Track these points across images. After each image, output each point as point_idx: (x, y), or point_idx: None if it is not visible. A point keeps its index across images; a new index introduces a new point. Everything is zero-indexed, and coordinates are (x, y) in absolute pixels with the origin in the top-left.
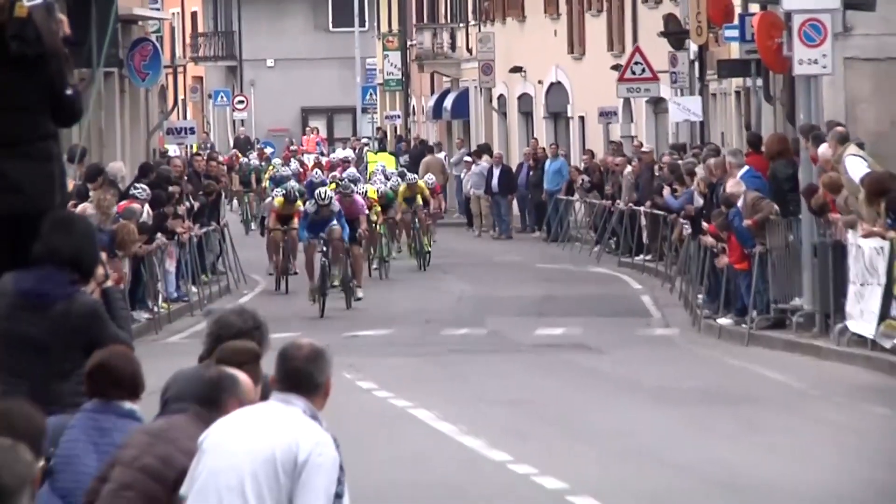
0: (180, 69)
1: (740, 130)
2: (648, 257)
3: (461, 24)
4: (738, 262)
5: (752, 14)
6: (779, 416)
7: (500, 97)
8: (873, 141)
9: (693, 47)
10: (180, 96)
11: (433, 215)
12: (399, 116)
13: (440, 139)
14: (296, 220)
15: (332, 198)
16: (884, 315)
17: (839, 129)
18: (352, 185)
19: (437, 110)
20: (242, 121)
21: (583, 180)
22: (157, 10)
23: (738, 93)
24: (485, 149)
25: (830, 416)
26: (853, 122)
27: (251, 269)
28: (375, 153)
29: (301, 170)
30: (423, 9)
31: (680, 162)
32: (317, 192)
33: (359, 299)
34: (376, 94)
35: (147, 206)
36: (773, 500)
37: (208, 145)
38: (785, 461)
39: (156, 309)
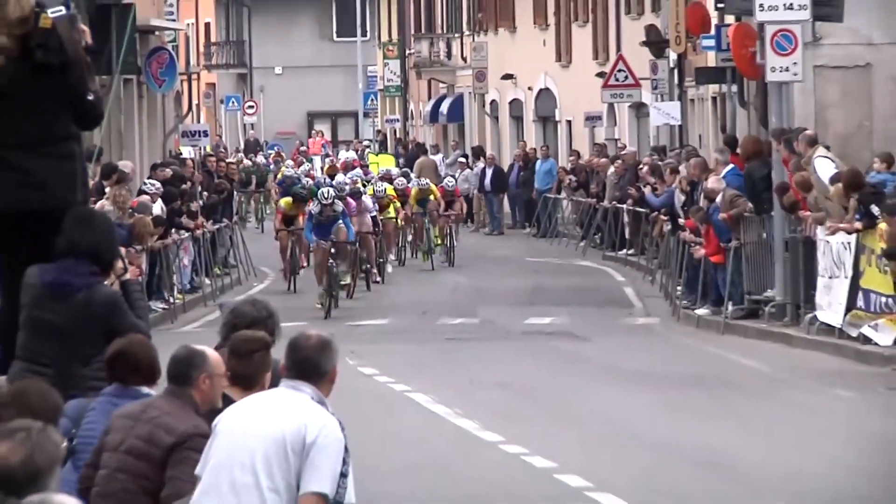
0: (194, 76)
1: (717, 133)
2: (631, 252)
3: (456, 34)
4: (714, 255)
5: (728, 25)
6: (752, 399)
7: (493, 102)
8: (841, 143)
9: (672, 56)
10: (194, 101)
11: (456, 217)
12: (398, 120)
13: (437, 142)
14: (301, 220)
15: (334, 197)
16: (850, 306)
17: (808, 132)
18: (359, 187)
19: (434, 114)
20: (252, 124)
21: (570, 180)
22: (173, 20)
23: (714, 98)
24: (478, 151)
25: (800, 400)
26: (822, 125)
27: (261, 262)
28: (376, 154)
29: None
30: (420, 20)
31: (660, 163)
32: (319, 192)
33: (376, 282)
34: (377, 100)
35: (160, 202)
36: (749, 478)
37: (221, 148)
38: (759, 441)
39: (171, 300)
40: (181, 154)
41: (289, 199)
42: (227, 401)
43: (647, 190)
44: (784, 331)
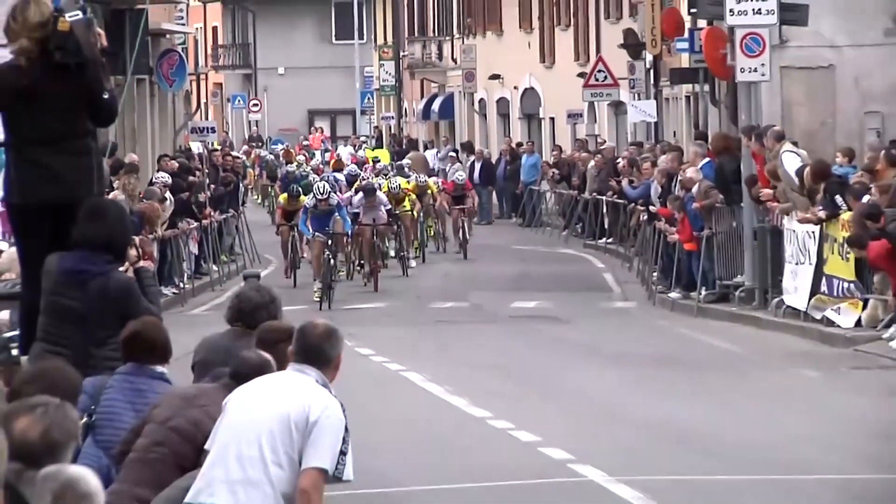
0: (203, 76)
1: (690, 130)
2: (610, 240)
3: (447, 37)
4: (688, 243)
5: (701, 28)
6: (723, 378)
7: (481, 101)
8: (806, 139)
9: (649, 57)
10: (203, 100)
11: (468, 211)
12: (393, 117)
13: (430, 137)
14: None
15: (329, 192)
16: (814, 290)
17: (776, 128)
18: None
19: (426, 112)
20: (257, 121)
21: (553, 173)
22: (183, 24)
23: (688, 97)
24: (468, 146)
25: (768, 378)
26: (788, 123)
27: (265, 250)
28: (372, 149)
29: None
30: (414, 23)
31: (638, 157)
32: (315, 186)
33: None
34: (373, 98)
35: (169, 193)
36: (720, 451)
37: (228, 143)
38: (729, 417)
39: (181, 285)
40: (190, 149)
41: (285, 195)
42: None
43: (624, 182)
44: (753, 314)
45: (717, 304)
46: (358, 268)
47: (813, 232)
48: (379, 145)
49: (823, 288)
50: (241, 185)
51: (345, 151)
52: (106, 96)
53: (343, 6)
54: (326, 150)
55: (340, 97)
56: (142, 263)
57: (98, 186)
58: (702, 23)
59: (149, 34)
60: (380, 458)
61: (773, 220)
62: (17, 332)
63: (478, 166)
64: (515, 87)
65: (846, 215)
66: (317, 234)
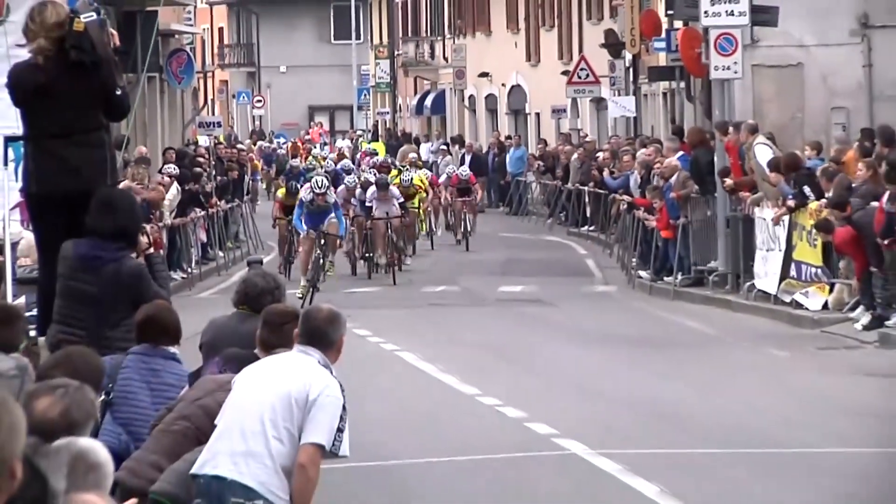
0: (209, 74)
1: (667, 124)
2: (592, 228)
3: (439, 38)
4: (665, 231)
5: (677, 29)
6: (698, 357)
7: (471, 97)
8: (776, 133)
9: (628, 56)
10: (209, 96)
11: (471, 205)
12: (388, 113)
13: (424, 131)
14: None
15: (328, 187)
16: (784, 275)
17: (750, 121)
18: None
19: (419, 108)
20: (260, 116)
21: (538, 165)
22: (191, 25)
23: (665, 94)
24: (458, 139)
25: (740, 358)
26: (760, 117)
27: (267, 238)
28: (369, 142)
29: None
30: (407, 25)
31: (618, 149)
32: (312, 180)
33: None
34: (369, 95)
35: (176, 183)
36: (694, 426)
37: (233, 137)
38: (703, 394)
39: (189, 270)
40: (198, 142)
41: (284, 189)
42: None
43: (605, 173)
44: (726, 297)
45: (693, 288)
46: (363, 260)
47: (783, 220)
48: (375, 139)
49: (792, 273)
50: (245, 176)
51: (343, 145)
52: (118, 92)
53: (341, 8)
54: (325, 144)
55: (339, 94)
56: (152, 250)
57: (111, 177)
58: (678, 24)
59: (159, 34)
60: (375, 433)
61: (745, 210)
62: (34, 313)
63: (468, 158)
64: (503, 85)
65: (814, 205)
66: (309, 231)
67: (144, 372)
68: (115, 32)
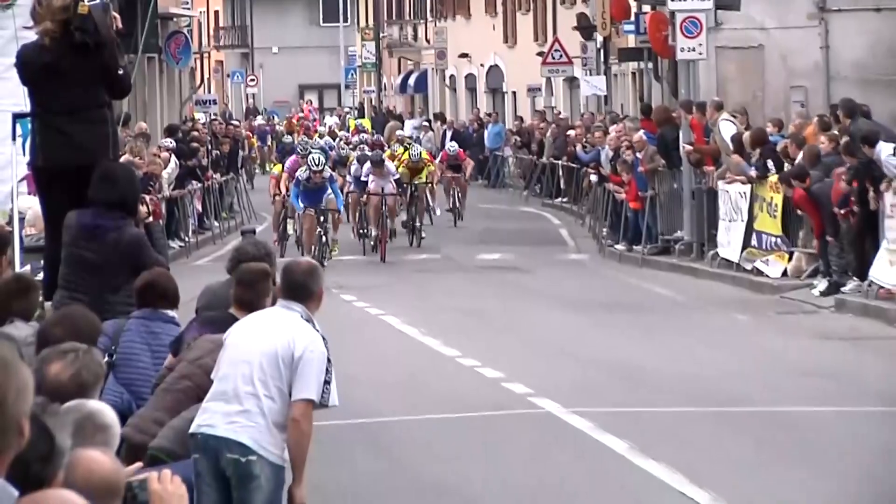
0: (206, 54)
1: (636, 103)
2: (565, 200)
3: (421, 20)
4: (634, 202)
5: (645, 13)
6: (665, 321)
7: (452, 76)
8: (742, 110)
9: (599, 38)
10: (205, 76)
11: (460, 181)
12: (374, 91)
13: (405, 109)
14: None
15: (324, 164)
16: (745, 244)
17: (716, 98)
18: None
19: (403, 86)
20: (253, 94)
21: (515, 140)
22: (188, 8)
23: (634, 74)
24: (440, 116)
25: (704, 321)
26: (723, 96)
27: (260, 209)
28: (356, 119)
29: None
30: (392, 8)
31: (591, 124)
32: (309, 157)
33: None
34: (356, 74)
35: (174, 157)
36: (661, 384)
37: (228, 114)
38: (670, 355)
39: (186, 239)
40: (195, 119)
41: (280, 165)
42: (234, 320)
43: (578, 148)
44: (691, 265)
45: (659, 256)
46: (360, 233)
47: (744, 193)
48: (361, 116)
49: (753, 242)
50: (240, 151)
51: (331, 121)
52: (120, 72)
53: None
54: (314, 120)
55: (327, 73)
56: (151, 219)
57: (112, 151)
58: (646, 8)
59: (158, 17)
60: (362, 393)
61: (709, 182)
62: (39, 278)
63: (449, 134)
64: (482, 65)
65: (774, 177)
66: (307, 208)
67: (145, 335)
68: (117, 16)
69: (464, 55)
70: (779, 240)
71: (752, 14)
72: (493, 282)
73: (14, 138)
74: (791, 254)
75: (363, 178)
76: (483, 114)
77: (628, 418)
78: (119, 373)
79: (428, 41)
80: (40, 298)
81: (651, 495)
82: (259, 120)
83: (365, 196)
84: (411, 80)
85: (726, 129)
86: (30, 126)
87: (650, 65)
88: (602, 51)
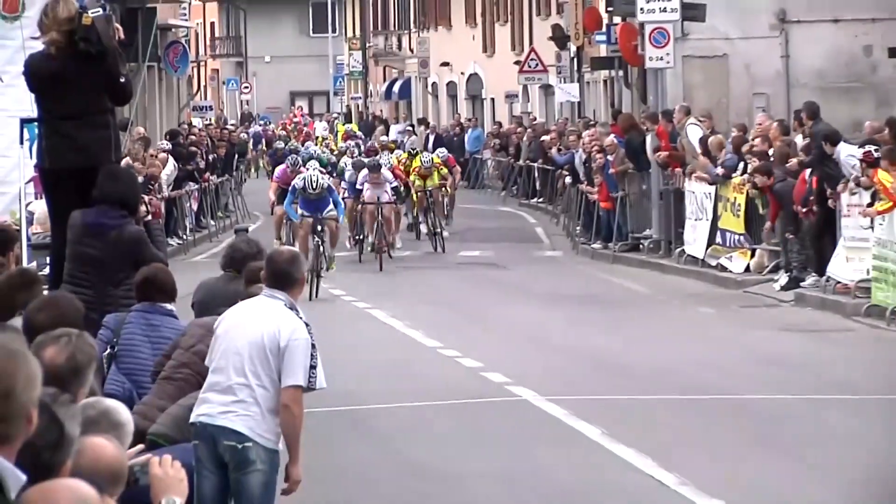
0: (202, 63)
1: (607, 108)
2: (541, 200)
3: (405, 31)
4: (605, 202)
5: (616, 24)
6: (635, 314)
7: (434, 84)
8: (708, 115)
9: (573, 48)
10: (202, 83)
11: (449, 185)
12: (360, 98)
13: (390, 114)
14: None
15: (324, 186)
16: (710, 242)
17: (684, 104)
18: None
19: (388, 93)
20: (247, 101)
21: (494, 143)
22: (186, 20)
23: (605, 81)
24: (422, 121)
25: (671, 314)
26: (690, 102)
27: (254, 208)
28: (343, 124)
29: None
30: (378, 20)
31: (564, 130)
32: (307, 177)
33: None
34: (344, 82)
35: (172, 160)
36: (632, 373)
37: (222, 119)
38: (640, 346)
39: (184, 237)
40: (192, 124)
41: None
42: None
43: (553, 151)
44: (659, 261)
45: (629, 253)
46: (356, 240)
47: (709, 193)
48: (349, 121)
49: (718, 239)
50: (235, 155)
51: (320, 126)
52: (122, 80)
53: (319, 5)
54: (307, 123)
55: (317, 81)
56: (150, 217)
57: (115, 154)
58: (617, 19)
59: (158, 28)
60: (349, 382)
61: (677, 183)
62: (45, 273)
63: (431, 138)
64: (462, 73)
65: (737, 179)
66: (304, 216)
67: (145, 327)
68: (119, 27)
69: (445, 64)
70: (742, 237)
71: (716, 25)
72: (473, 277)
73: (22, 142)
74: (753, 250)
75: (358, 186)
76: (463, 119)
77: (600, 405)
78: (121, 363)
79: (411, 51)
80: (45, 292)
81: (621, 477)
82: (255, 128)
83: (360, 205)
84: (396, 88)
85: (693, 132)
86: (37, 130)
87: (621, 73)
88: (575, 60)
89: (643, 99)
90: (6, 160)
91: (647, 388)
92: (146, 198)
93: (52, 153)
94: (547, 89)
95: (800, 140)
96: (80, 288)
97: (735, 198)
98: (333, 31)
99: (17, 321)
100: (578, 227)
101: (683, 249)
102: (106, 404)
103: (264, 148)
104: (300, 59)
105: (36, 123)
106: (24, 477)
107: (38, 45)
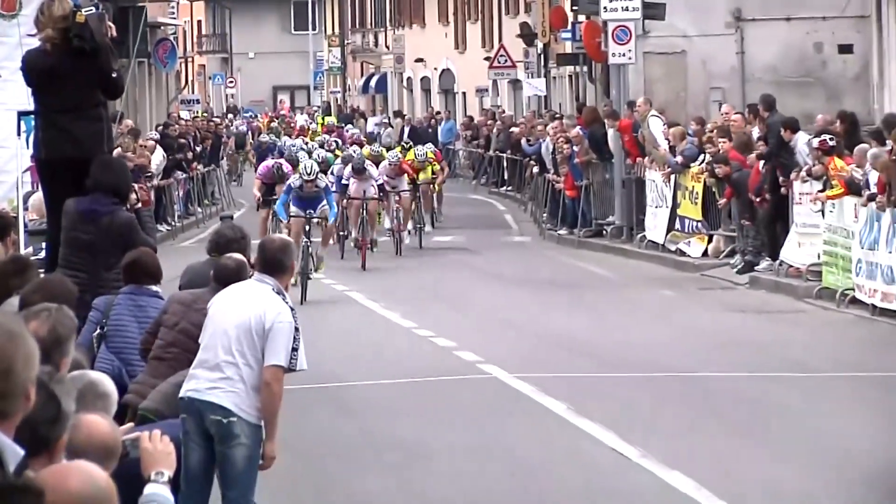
0: (190, 59)
1: (572, 102)
2: (510, 188)
3: (382, 29)
4: (570, 190)
5: (581, 22)
6: (599, 296)
7: (409, 79)
8: (665, 109)
9: (540, 45)
10: (190, 78)
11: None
12: (339, 91)
13: (367, 108)
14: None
15: (317, 173)
16: (670, 228)
17: (647, 97)
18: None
19: (365, 87)
20: (232, 95)
21: (465, 135)
22: (174, 18)
23: (570, 76)
24: (398, 114)
25: (633, 296)
26: (650, 96)
27: (238, 196)
28: (323, 117)
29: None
30: (356, 18)
31: (530, 123)
32: (301, 165)
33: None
34: (324, 77)
35: (162, 150)
36: (596, 353)
37: (209, 112)
38: (603, 326)
39: (173, 223)
40: (180, 117)
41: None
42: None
43: (523, 141)
44: (621, 246)
45: (593, 239)
46: (339, 235)
47: (669, 182)
48: (328, 114)
49: (677, 226)
50: (221, 146)
51: (301, 119)
52: (114, 75)
53: (300, 4)
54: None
55: (298, 76)
56: (140, 205)
57: (107, 146)
58: (582, 17)
59: (147, 26)
60: (328, 360)
61: (638, 173)
62: (40, 258)
63: (407, 129)
64: (435, 68)
65: (695, 169)
66: (293, 215)
67: (132, 308)
68: (111, 24)
69: (419, 60)
70: (699, 224)
71: (675, 23)
72: (446, 262)
73: (19, 134)
74: (711, 236)
75: (344, 181)
76: (437, 112)
77: (566, 382)
78: (110, 342)
79: (387, 47)
80: (40, 275)
81: (586, 450)
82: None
83: (346, 200)
84: (372, 82)
85: (655, 124)
86: (33, 123)
87: (585, 68)
88: (542, 56)
89: (606, 93)
90: (4, 151)
91: (611, 366)
92: (136, 186)
93: (48, 145)
94: (515, 84)
95: (756, 132)
96: (75, 271)
97: (693, 186)
98: (314, 28)
99: (14, 300)
100: (545, 214)
101: (644, 235)
102: (90, 377)
103: (251, 140)
104: (282, 56)
105: (33, 116)
106: (21, 451)
107: (35, 42)
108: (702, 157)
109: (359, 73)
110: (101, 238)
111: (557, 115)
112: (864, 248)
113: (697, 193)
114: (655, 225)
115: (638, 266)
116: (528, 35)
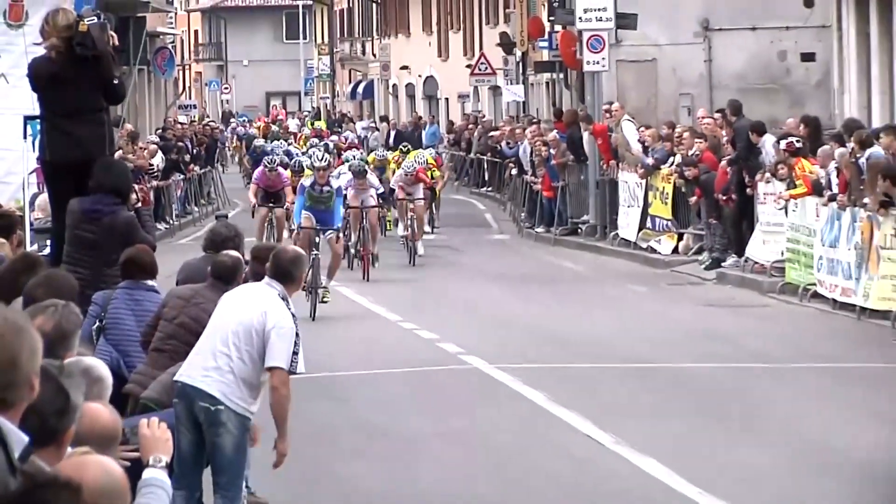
0: (187, 66)
1: (549, 107)
2: (490, 189)
3: (369, 38)
4: (547, 191)
5: (557, 32)
6: (574, 291)
7: (394, 85)
8: (637, 114)
9: (518, 53)
10: (187, 84)
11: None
12: (328, 97)
13: (355, 113)
14: (290, 197)
15: (328, 160)
16: (641, 226)
17: (619, 102)
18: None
19: (353, 93)
20: (227, 100)
21: (448, 139)
22: (172, 28)
23: (548, 83)
24: (384, 119)
25: (607, 292)
26: (623, 101)
27: (233, 196)
28: (312, 122)
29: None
30: (344, 28)
31: (510, 127)
32: (311, 152)
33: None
34: (314, 83)
35: (160, 151)
36: (571, 344)
37: (205, 116)
38: (578, 319)
39: (171, 222)
40: (176, 121)
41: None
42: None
43: (503, 144)
44: (595, 244)
45: (569, 237)
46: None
47: (640, 183)
48: (318, 118)
49: (648, 224)
50: (217, 148)
51: (293, 123)
52: (116, 81)
53: (292, 15)
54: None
55: (289, 82)
56: (139, 205)
57: (109, 148)
58: (558, 27)
59: (147, 35)
60: (318, 352)
61: (612, 174)
62: (45, 254)
63: (392, 133)
64: (419, 75)
65: (666, 170)
66: (302, 227)
67: (130, 302)
68: (113, 34)
69: (404, 67)
70: (669, 223)
71: (647, 33)
72: (429, 259)
73: (25, 137)
74: (680, 234)
75: (344, 192)
76: (419, 117)
77: (544, 373)
78: (108, 335)
79: (374, 55)
80: None
81: (563, 438)
82: (233, 123)
83: (345, 209)
84: (360, 89)
85: (628, 127)
86: (38, 127)
87: (561, 75)
88: (521, 64)
89: (581, 99)
90: (11, 153)
91: (586, 357)
92: (137, 187)
93: (52, 147)
94: (495, 90)
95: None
96: (78, 268)
97: (664, 187)
98: (305, 37)
99: (20, 301)
100: (523, 214)
101: (617, 233)
102: (85, 363)
103: (238, 144)
104: (275, 63)
105: (38, 120)
106: (26, 438)
107: (40, 50)
108: (671, 159)
109: (347, 80)
110: (103, 236)
111: (535, 120)
112: (825, 245)
113: (668, 194)
114: (628, 223)
115: (611, 262)
116: (507, 44)
